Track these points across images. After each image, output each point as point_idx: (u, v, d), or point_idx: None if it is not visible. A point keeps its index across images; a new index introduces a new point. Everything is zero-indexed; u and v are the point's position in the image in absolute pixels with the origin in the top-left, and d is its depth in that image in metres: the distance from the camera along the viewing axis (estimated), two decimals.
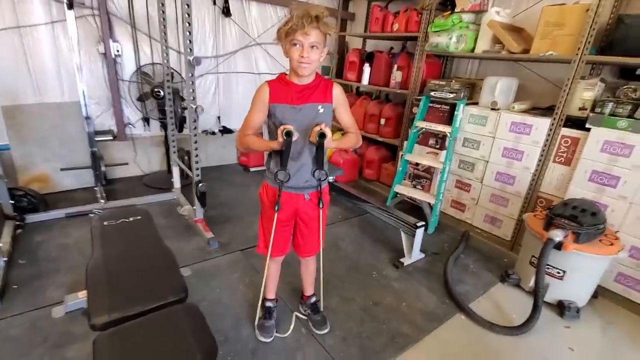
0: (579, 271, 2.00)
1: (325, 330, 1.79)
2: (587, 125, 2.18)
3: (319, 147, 1.38)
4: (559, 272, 2.04)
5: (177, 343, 1.12)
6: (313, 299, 1.87)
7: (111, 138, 3.42)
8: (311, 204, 1.55)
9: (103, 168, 3.16)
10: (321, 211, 1.57)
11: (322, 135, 1.33)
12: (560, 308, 2.06)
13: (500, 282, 2.34)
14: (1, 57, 2.75)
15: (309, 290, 1.87)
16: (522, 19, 2.84)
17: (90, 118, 2.97)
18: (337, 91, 1.46)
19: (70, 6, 2.41)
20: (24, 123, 2.88)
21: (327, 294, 2.03)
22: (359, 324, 1.88)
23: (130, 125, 3.55)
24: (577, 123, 2.30)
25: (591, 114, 2.18)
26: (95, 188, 3.05)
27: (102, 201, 2.88)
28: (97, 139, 3.16)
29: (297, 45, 1.27)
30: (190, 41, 2.25)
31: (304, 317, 1.88)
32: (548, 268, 2.06)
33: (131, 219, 1.87)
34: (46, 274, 2.04)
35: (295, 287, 2.02)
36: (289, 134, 1.30)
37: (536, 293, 1.94)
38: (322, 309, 1.87)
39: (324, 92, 1.43)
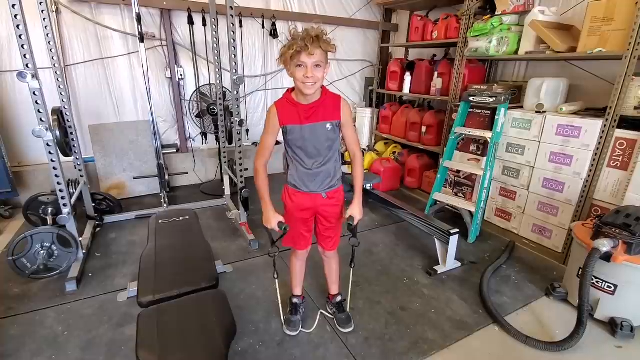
0: (633, 285, 1.81)
1: (349, 329, 1.85)
2: None
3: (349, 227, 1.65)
4: (609, 287, 1.86)
5: (203, 321, 1.29)
6: (338, 298, 1.94)
7: (175, 151, 3.91)
8: (329, 201, 1.65)
9: (167, 177, 3.59)
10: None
11: (349, 225, 1.63)
12: (612, 326, 1.87)
13: (545, 296, 2.19)
14: (89, 85, 3.34)
15: (333, 289, 1.95)
16: (572, 16, 2.67)
17: (159, 134, 3.43)
18: (345, 108, 1.53)
19: (142, 40, 2.84)
20: (107, 139, 3.43)
21: (354, 295, 2.09)
22: (383, 326, 1.91)
23: (191, 139, 3.99)
24: (633, 124, 2.10)
25: None
26: (161, 194, 3.47)
27: (165, 205, 3.28)
28: (163, 152, 3.62)
29: (302, 67, 1.34)
30: (235, 63, 2.53)
31: (329, 315, 1.96)
32: (597, 281, 1.90)
33: (181, 218, 2.15)
34: (115, 265, 2.41)
35: (324, 288, 2.10)
36: (284, 229, 1.56)
37: (580, 307, 1.79)
38: (347, 309, 1.94)
39: (332, 110, 1.50)
